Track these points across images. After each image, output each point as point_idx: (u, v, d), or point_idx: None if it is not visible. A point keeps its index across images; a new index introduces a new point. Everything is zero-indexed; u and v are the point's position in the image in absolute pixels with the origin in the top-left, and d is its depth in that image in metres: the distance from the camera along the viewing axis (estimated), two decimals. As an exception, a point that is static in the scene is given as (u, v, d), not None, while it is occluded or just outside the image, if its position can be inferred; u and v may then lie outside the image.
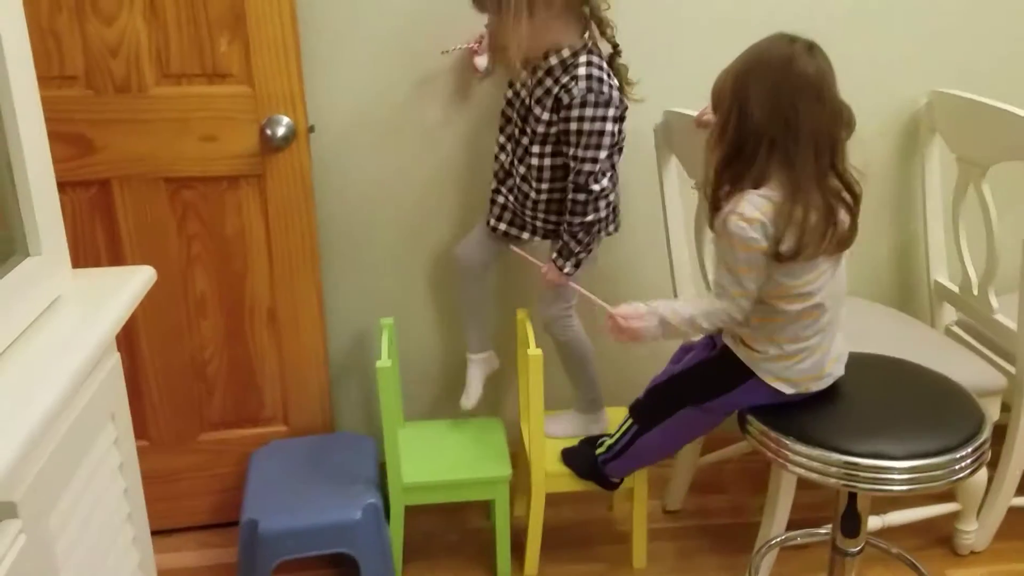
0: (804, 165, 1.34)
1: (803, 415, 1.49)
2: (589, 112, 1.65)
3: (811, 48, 1.36)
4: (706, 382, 1.58)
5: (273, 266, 1.93)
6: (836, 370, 1.52)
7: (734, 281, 1.41)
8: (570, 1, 1.65)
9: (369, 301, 2.12)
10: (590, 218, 1.72)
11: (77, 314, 1.11)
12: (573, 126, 1.66)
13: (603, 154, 1.68)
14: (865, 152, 2.12)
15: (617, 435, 1.75)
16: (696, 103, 1.89)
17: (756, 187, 1.37)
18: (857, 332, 1.65)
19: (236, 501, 1.88)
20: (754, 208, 1.36)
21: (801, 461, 1.44)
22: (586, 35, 1.71)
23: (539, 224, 1.83)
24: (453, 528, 2.09)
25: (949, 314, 2.16)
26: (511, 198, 1.85)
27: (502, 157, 1.85)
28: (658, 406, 1.67)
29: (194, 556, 2.01)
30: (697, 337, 1.63)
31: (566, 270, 1.77)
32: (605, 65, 1.70)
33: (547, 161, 1.74)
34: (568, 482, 1.86)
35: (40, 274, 1.07)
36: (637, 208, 2.07)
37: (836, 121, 1.35)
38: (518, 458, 2.01)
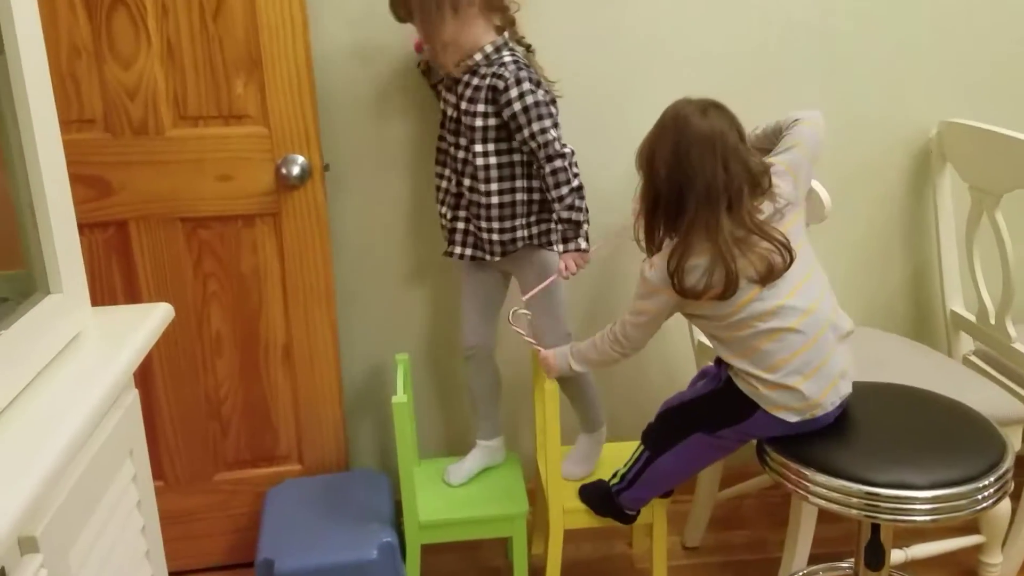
0: (697, 215, 1.45)
1: (823, 446, 1.48)
2: (527, 86, 1.69)
3: (705, 109, 1.47)
4: (715, 412, 1.59)
5: (288, 303, 1.94)
6: (842, 389, 1.51)
7: (629, 310, 1.59)
8: (490, 1, 1.72)
9: (383, 337, 2.12)
10: (576, 183, 1.72)
11: (97, 350, 1.12)
12: (516, 106, 1.69)
13: (553, 123, 1.71)
14: (876, 181, 2.17)
15: (630, 463, 1.74)
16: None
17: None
18: (874, 362, 1.64)
19: (252, 541, 1.87)
20: (661, 255, 1.50)
21: (822, 492, 1.42)
22: (505, 34, 1.76)
23: (495, 238, 1.79)
24: (470, 566, 2.07)
25: (966, 343, 2.14)
26: (470, 220, 1.83)
27: (444, 184, 1.85)
28: (669, 431, 1.66)
29: (210, 597, 2.00)
30: (612, 364, 1.68)
31: (582, 247, 1.73)
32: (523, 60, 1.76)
33: (492, 160, 1.74)
34: (586, 518, 1.84)
35: (61, 311, 1.09)
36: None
37: (736, 174, 1.45)
38: (535, 494, 2.00)
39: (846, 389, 1.52)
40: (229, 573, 2.05)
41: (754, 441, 1.61)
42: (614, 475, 1.78)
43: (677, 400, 1.69)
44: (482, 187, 1.76)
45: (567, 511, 1.83)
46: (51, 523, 0.87)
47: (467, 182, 1.79)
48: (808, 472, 1.45)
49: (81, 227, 1.80)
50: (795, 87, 2.09)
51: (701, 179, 1.44)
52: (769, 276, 1.45)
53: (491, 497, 1.91)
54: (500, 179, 1.76)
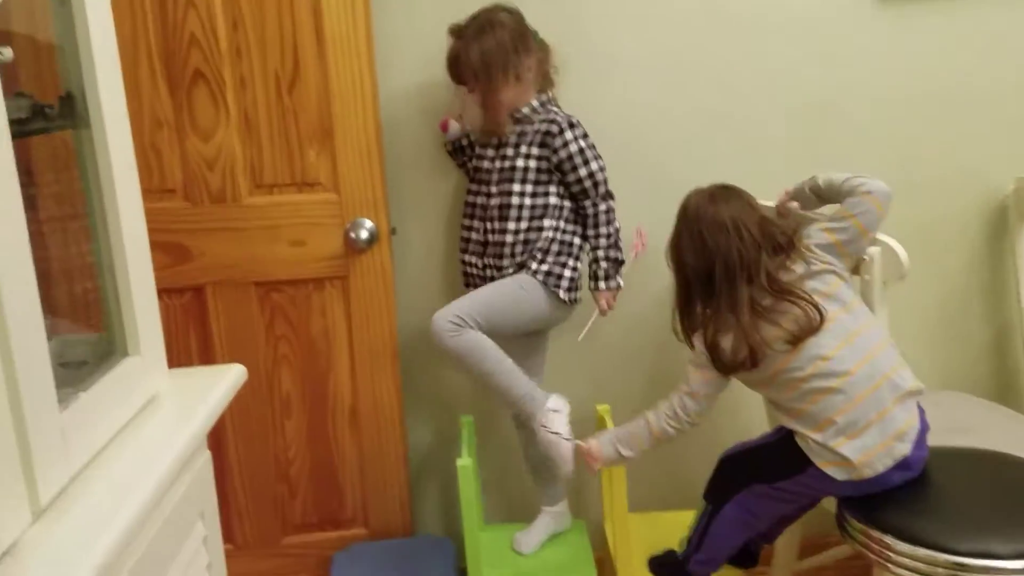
0: (722, 293, 1.54)
1: (905, 513, 1.41)
2: (579, 131, 1.82)
3: (713, 195, 1.59)
4: (772, 462, 1.58)
5: (355, 365, 1.96)
6: (897, 451, 1.46)
7: (685, 379, 1.62)
8: (542, 66, 1.86)
9: (447, 400, 2.13)
10: (617, 225, 1.85)
11: (171, 413, 1.14)
12: (572, 147, 1.80)
13: (601, 164, 1.83)
14: (954, 239, 2.11)
15: (694, 523, 1.69)
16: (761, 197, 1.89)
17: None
18: (956, 426, 1.58)
19: (317, 605, 1.87)
20: (699, 334, 1.60)
21: (905, 562, 1.36)
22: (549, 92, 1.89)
23: (510, 271, 1.84)
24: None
25: (1055, 406, 2.04)
26: (490, 264, 1.87)
27: (473, 235, 1.89)
28: (728, 480, 1.63)
29: (275, 663, 1.99)
30: (666, 442, 1.66)
31: (621, 284, 1.84)
32: None
33: (527, 200, 1.81)
34: (656, 588, 1.79)
35: (138, 374, 1.12)
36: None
37: (750, 243, 1.54)
38: (604, 563, 1.95)
39: (902, 451, 1.46)
40: (295, 638, 2.04)
41: (832, 508, 1.55)
42: (681, 541, 1.73)
43: (736, 449, 1.67)
44: (510, 225, 1.82)
45: (637, 581, 1.78)
46: (123, 584, 0.88)
47: (497, 224, 1.83)
48: (890, 540, 1.38)
49: (160, 292, 1.87)
50: (866, 143, 2.07)
51: (720, 258, 1.53)
52: (801, 336, 1.48)
53: (559, 566, 1.87)
54: (531, 218, 1.82)
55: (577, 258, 1.86)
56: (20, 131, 1.00)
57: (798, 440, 1.51)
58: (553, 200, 1.82)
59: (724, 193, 1.60)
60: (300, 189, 1.88)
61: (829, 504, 1.70)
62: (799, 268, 1.53)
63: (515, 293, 1.80)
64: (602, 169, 1.83)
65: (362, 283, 1.93)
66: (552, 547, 1.94)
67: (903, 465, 1.46)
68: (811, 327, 1.48)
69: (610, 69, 2.00)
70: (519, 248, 1.82)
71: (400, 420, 2.00)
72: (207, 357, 1.94)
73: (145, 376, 1.13)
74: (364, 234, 1.87)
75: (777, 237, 1.55)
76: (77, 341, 1.21)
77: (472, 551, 1.77)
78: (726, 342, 1.52)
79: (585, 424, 1.91)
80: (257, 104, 1.83)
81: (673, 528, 1.97)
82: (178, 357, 1.93)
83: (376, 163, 1.87)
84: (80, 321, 1.29)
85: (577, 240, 1.86)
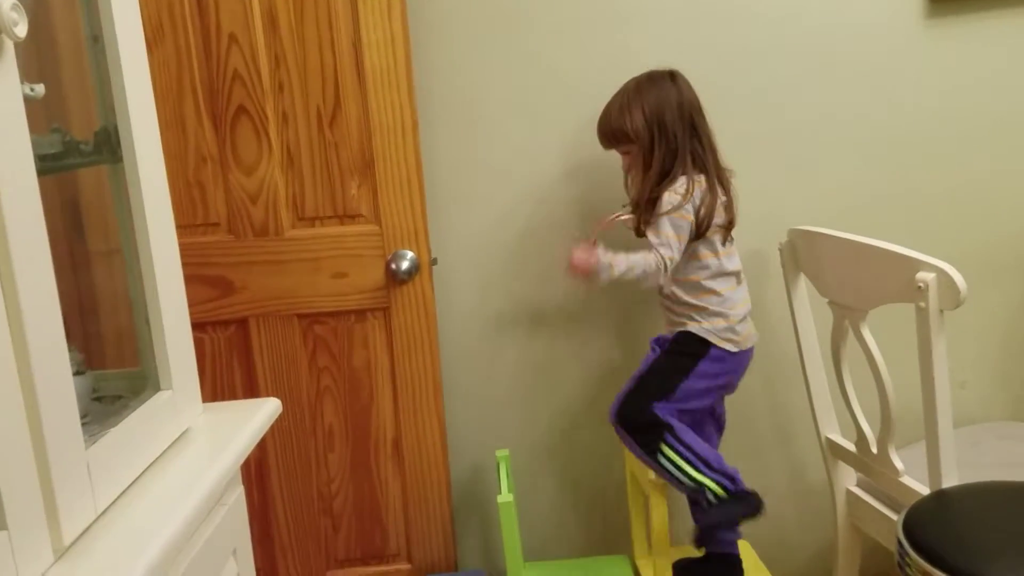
0: (706, 156, 1.74)
1: (973, 554, 1.33)
2: None
3: (674, 73, 1.77)
4: (671, 369, 1.73)
5: (398, 397, 1.95)
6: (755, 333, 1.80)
7: (667, 245, 1.70)
8: None
9: (487, 433, 2.10)
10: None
11: (204, 447, 1.13)
12: None
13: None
14: (1012, 264, 2.01)
15: (678, 470, 1.68)
16: (816, 220, 1.84)
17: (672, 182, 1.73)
18: (1016, 459, 1.49)
19: (360, 643, 1.84)
20: (683, 187, 1.72)
21: (970, 608, 1.27)
22: None
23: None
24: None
25: None
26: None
27: None
28: (644, 416, 1.70)
29: None
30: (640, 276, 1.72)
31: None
32: None
33: None
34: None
35: (171, 408, 1.11)
36: (771, 329, 2.00)
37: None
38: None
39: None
40: (339, 675, 2.01)
41: (892, 546, 1.47)
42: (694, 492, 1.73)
43: (630, 394, 1.73)
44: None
45: (685, 620, 1.71)
46: (148, 624, 0.87)
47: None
48: (954, 584, 1.30)
49: (204, 325, 1.91)
50: (919, 164, 2.00)
51: (702, 127, 1.75)
52: (730, 228, 1.79)
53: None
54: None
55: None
56: (54, 167, 1.01)
57: (696, 331, 1.72)
58: None
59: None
60: (342, 221, 1.89)
61: (888, 541, 1.62)
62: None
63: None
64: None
65: (404, 315, 1.91)
66: (598, 584, 1.88)
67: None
68: (734, 220, 1.77)
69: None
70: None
71: (443, 454, 1.97)
72: (251, 390, 1.95)
73: (178, 411, 1.13)
74: (405, 265, 1.86)
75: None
76: (113, 376, 1.21)
77: (515, 589, 1.73)
78: (710, 207, 1.71)
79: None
80: (299, 138, 1.85)
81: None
82: (222, 390, 1.94)
83: (417, 194, 1.87)
84: (116, 356, 1.30)
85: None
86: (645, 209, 1.75)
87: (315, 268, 1.90)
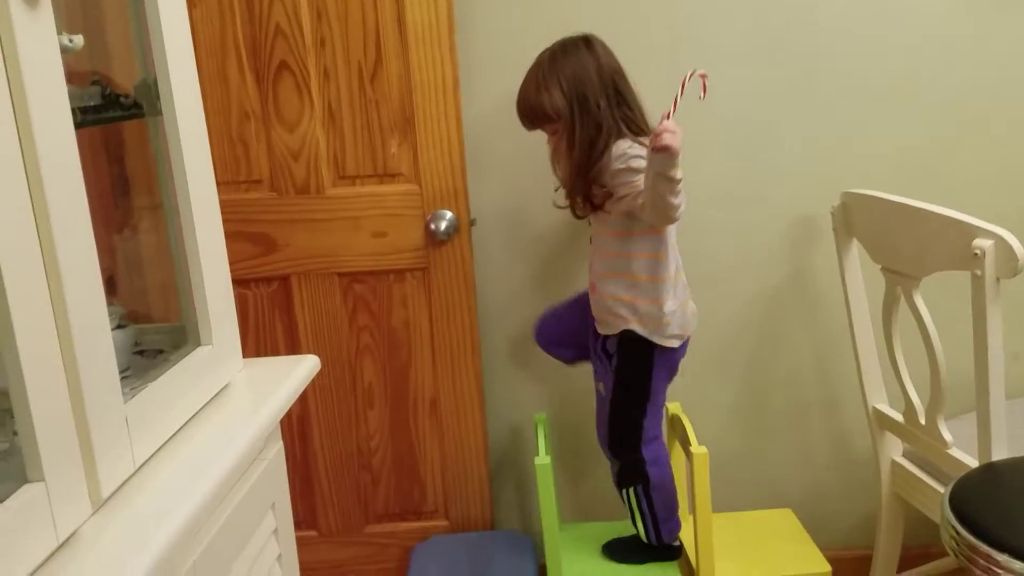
0: (639, 120, 1.64)
1: (1019, 524, 1.29)
2: None
3: (588, 39, 1.65)
4: (632, 393, 1.71)
5: (436, 357, 1.95)
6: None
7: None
8: None
9: (525, 395, 2.09)
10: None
11: (244, 402, 1.14)
12: None
13: None
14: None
15: (637, 511, 1.75)
16: (870, 184, 1.79)
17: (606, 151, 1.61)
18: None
19: (398, 596, 1.87)
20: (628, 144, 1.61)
21: (1017, 584, 1.24)
22: None
23: None
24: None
25: None
26: None
27: None
28: (630, 454, 1.73)
29: (358, 651, 2.00)
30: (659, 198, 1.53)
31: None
32: None
33: None
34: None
35: (211, 363, 1.12)
36: (820, 296, 1.96)
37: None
38: (680, 564, 1.88)
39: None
40: (377, 627, 2.04)
41: (936, 518, 1.44)
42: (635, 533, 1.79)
43: (603, 409, 1.75)
44: None
45: (721, 585, 1.71)
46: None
47: None
48: (1001, 558, 1.26)
49: (247, 282, 1.92)
50: (989, 129, 1.93)
51: (626, 92, 1.64)
52: None
53: (644, 568, 1.81)
54: None
55: None
56: (94, 119, 1.01)
57: (639, 330, 1.66)
58: None
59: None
60: (382, 180, 1.88)
61: (933, 513, 1.59)
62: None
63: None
64: None
65: (443, 275, 1.91)
66: (635, 547, 1.87)
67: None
68: None
69: (717, 61, 1.92)
70: None
71: (481, 414, 1.98)
72: (293, 347, 1.96)
73: (217, 366, 1.14)
74: (444, 225, 1.85)
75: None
76: (155, 330, 1.22)
77: (552, 550, 1.73)
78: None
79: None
80: (340, 95, 1.83)
81: (753, 526, 1.89)
82: (265, 347, 1.96)
83: (456, 154, 1.85)
84: (160, 310, 1.31)
85: None
86: (578, 192, 1.65)
87: (355, 227, 1.89)
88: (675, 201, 1.48)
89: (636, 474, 1.74)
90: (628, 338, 1.68)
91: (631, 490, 1.74)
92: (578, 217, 1.72)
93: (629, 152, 1.60)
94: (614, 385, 1.72)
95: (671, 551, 1.79)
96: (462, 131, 1.85)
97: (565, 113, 1.61)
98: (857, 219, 1.80)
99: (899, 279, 1.66)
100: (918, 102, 1.93)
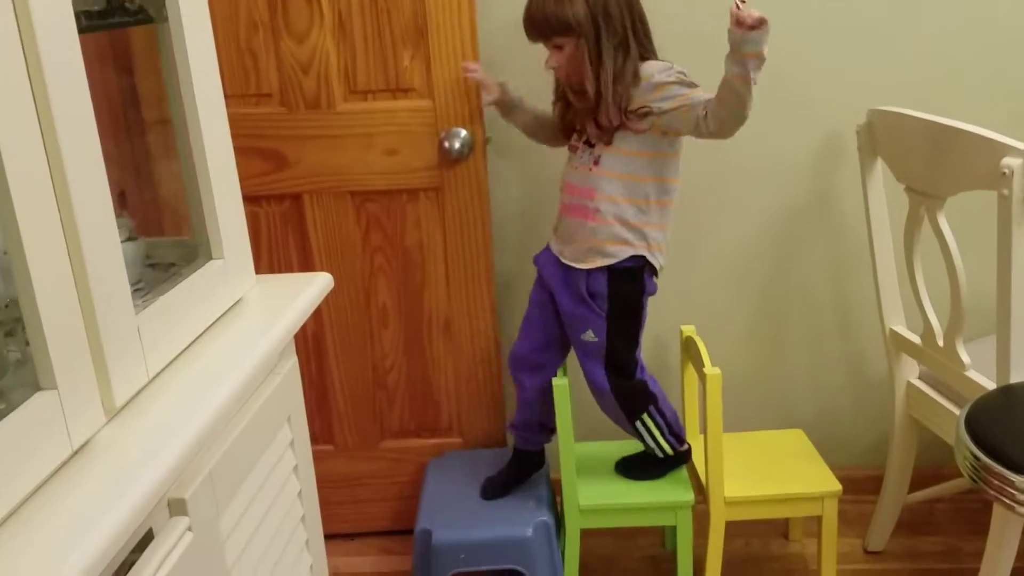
0: (651, 45, 1.60)
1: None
2: None
3: None
4: (626, 315, 1.69)
5: (450, 278, 1.94)
6: None
7: (698, 103, 1.52)
8: None
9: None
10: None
11: (257, 316, 1.14)
12: None
13: None
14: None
15: (655, 432, 1.76)
16: (897, 101, 1.74)
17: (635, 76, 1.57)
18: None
19: (413, 509, 1.90)
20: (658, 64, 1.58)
21: (1030, 504, 1.24)
22: None
23: None
24: (626, 553, 2.00)
25: None
26: None
27: None
28: (630, 383, 1.73)
29: (374, 561, 2.05)
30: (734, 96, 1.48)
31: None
32: None
33: None
34: (749, 510, 1.73)
35: (223, 277, 1.11)
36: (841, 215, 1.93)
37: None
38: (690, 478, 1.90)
39: None
40: (393, 539, 2.09)
41: (950, 439, 1.44)
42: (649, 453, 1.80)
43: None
44: None
45: (729, 502, 1.72)
46: (201, 486, 0.89)
47: None
48: (1015, 478, 1.26)
49: (259, 199, 1.90)
50: (1019, 45, 1.85)
51: (639, 9, 1.59)
52: None
53: (653, 484, 1.82)
54: None
55: None
56: (99, 24, 0.98)
57: (645, 255, 1.64)
58: None
59: None
60: (394, 95, 1.83)
61: (948, 435, 1.59)
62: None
63: None
64: None
65: (457, 195, 1.88)
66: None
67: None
68: None
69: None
70: None
71: (494, 334, 1.98)
72: (306, 265, 1.96)
73: (229, 280, 1.13)
74: (458, 143, 1.81)
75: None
76: (167, 244, 1.22)
77: (567, 470, 1.75)
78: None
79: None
80: (351, 3, 1.77)
81: (764, 446, 1.90)
82: (278, 265, 1.95)
83: (472, 67, 1.80)
84: (172, 224, 1.30)
85: None
86: (617, 103, 1.57)
87: (367, 144, 1.86)
88: (752, 94, 1.43)
89: (645, 397, 1.74)
90: (621, 268, 1.65)
91: (645, 415, 1.74)
92: (567, 130, 1.70)
93: (674, 68, 1.57)
94: (608, 322, 1.69)
95: (684, 455, 1.81)
96: (477, 43, 1.79)
97: (587, 25, 1.54)
98: (882, 137, 1.75)
99: (923, 199, 1.62)
100: (947, 15, 1.86)
